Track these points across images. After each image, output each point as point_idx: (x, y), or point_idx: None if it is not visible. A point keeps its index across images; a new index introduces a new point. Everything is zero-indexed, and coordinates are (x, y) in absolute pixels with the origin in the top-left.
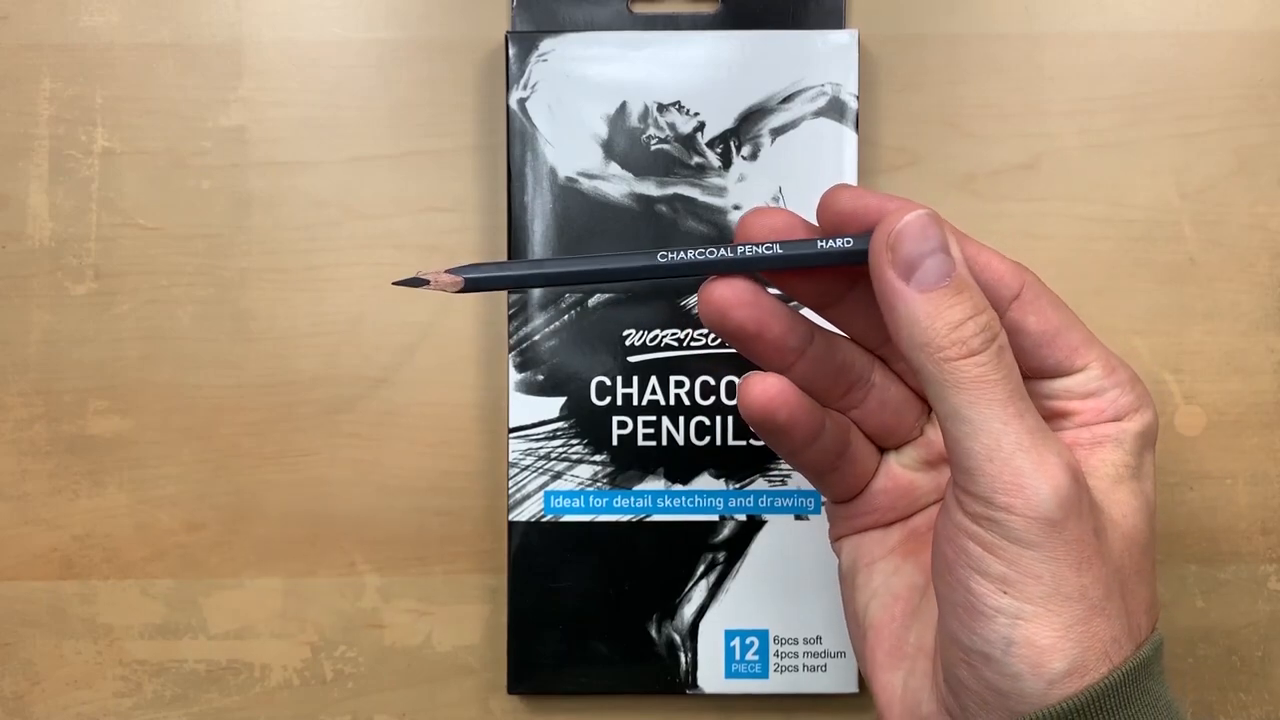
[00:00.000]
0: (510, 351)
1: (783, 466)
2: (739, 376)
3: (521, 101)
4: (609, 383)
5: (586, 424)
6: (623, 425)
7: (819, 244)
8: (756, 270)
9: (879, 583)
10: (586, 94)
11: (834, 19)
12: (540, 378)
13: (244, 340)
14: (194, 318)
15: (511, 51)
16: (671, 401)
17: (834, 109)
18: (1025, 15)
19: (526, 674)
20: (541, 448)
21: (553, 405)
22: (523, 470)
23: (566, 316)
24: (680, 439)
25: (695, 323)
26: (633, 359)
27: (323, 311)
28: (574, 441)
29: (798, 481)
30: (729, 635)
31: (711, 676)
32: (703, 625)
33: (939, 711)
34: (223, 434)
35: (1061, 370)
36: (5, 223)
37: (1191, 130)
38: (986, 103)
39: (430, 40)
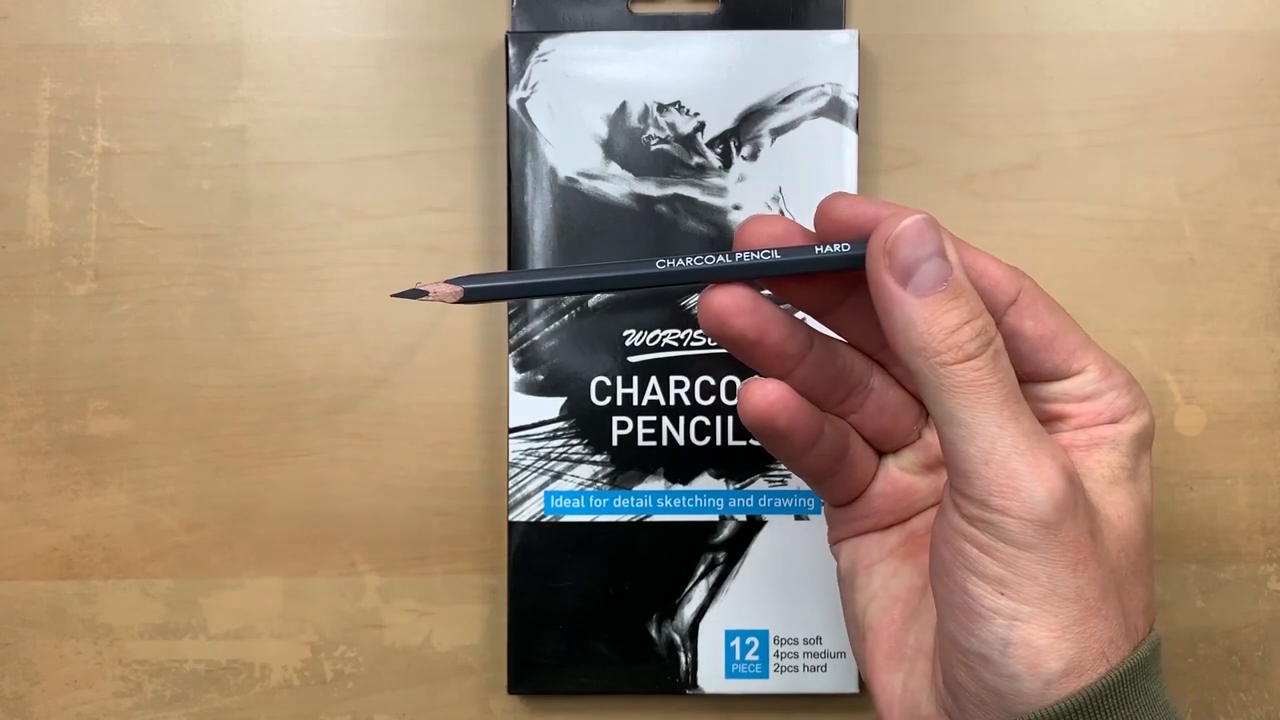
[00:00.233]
0: (510, 351)
1: (783, 467)
2: (739, 377)
3: (521, 101)
4: (609, 383)
5: (587, 424)
6: (623, 425)
7: (817, 250)
8: (755, 277)
9: (878, 585)
10: (586, 94)
11: (834, 19)
12: (540, 378)
13: (244, 340)
14: (194, 318)
15: (511, 51)
16: (671, 401)
17: (834, 109)
18: (1025, 15)
19: (526, 674)
20: (542, 448)
21: (553, 405)
22: (523, 470)
23: (566, 317)
24: (680, 439)
25: (695, 323)
26: (633, 359)
27: (323, 311)
28: (574, 441)
29: (798, 482)
30: (729, 635)
31: (711, 676)
32: (703, 625)
33: (938, 713)
34: (223, 434)
35: (1059, 374)
36: (5, 223)
37: (1191, 130)
38: (986, 103)
39: (430, 40)
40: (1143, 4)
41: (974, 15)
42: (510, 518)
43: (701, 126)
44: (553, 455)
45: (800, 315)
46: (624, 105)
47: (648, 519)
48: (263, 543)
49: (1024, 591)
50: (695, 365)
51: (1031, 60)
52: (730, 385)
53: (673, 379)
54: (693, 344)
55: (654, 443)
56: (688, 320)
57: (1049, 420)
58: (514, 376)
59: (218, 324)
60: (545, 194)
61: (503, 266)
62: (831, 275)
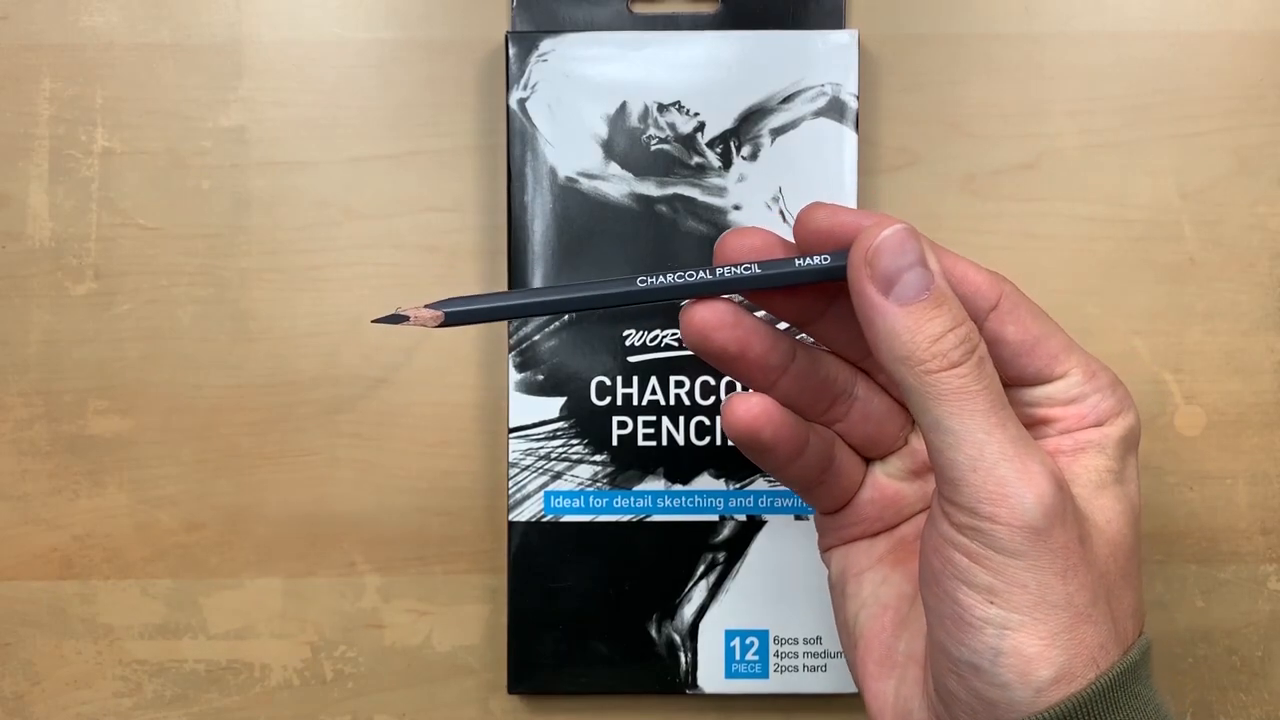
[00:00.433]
0: (510, 351)
1: None
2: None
3: (521, 101)
4: (609, 383)
5: (586, 424)
6: (623, 425)
7: (797, 263)
8: (736, 291)
9: (868, 592)
10: (586, 94)
11: (834, 19)
12: (540, 378)
13: (244, 340)
14: (194, 318)
15: (511, 51)
16: (671, 401)
17: (834, 109)
18: (1025, 15)
19: (526, 674)
20: (541, 448)
21: (553, 405)
22: (523, 470)
23: (567, 317)
24: (680, 439)
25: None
26: (633, 359)
27: (323, 311)
28: (574, 441)
29: None
30: (729, 635)
31: (711, 676)
32: (703, 625)
33: None
34: (223, 434)
35: (1042, 378)
36: (5, 223)
37: (1191, 130)
38: (986, 103)
39: (430, 40)
40: (1142, 4)
41: (974, 15)
42: (510, 518)
43: (701, 126)
44: (553, 455)
45: (783, 326)
46: (624, 105)
47: (648, 519)
48: (263, 543)
49: (1014, 600)
50: (695, 365)
51: (1031, 60)
52: (730, 385)
53: (673, 379)
54: None
55: (654, 443)
56: None
57: (1034, 425)
58: (514, 376)
59: (218, 324)
60: (545, 194)
61: (503, 266)
62: (812, 287)
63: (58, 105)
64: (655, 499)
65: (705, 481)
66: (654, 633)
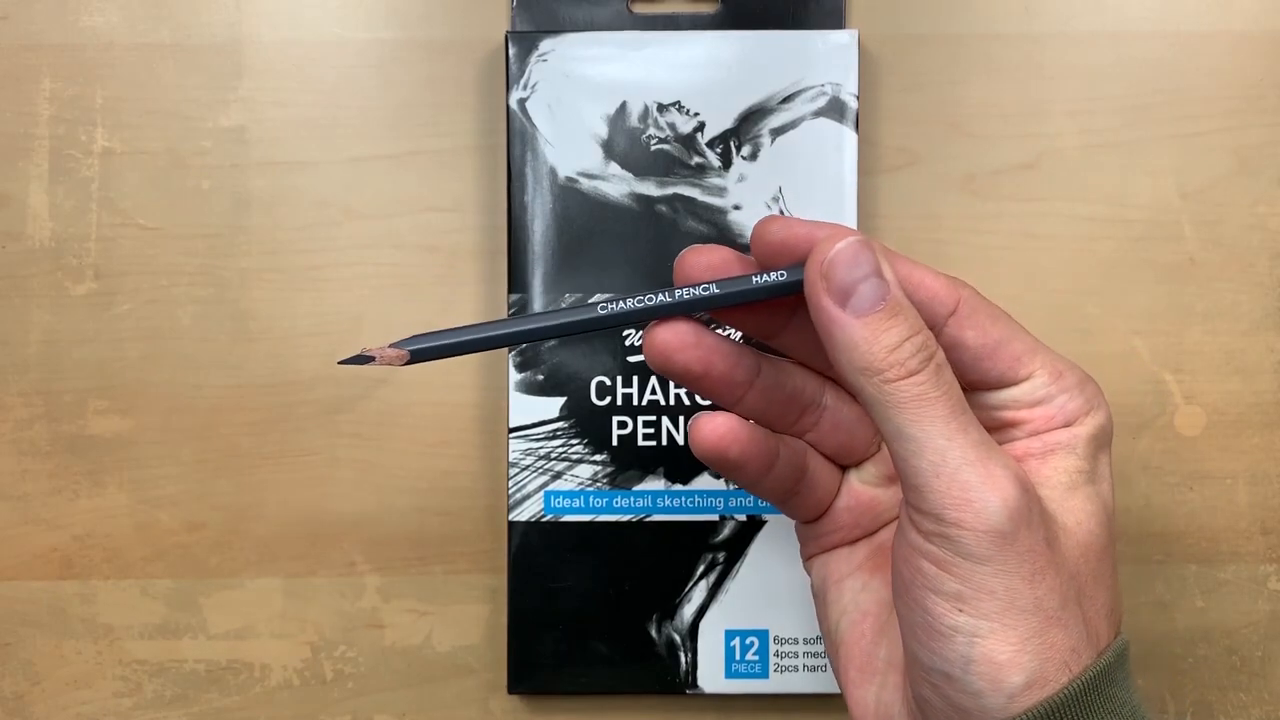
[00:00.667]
0: (510, 351)
1: None
2: None
3: (521, 101)
4: (609, 383)
5: (586, 424)
6: (623, 425)
7: (754, 280)
8: (695, 312)
9: (848, 600)
10: (586, 94)
11: (834, 19)
12: (540, 378)
13: (244, 340)
14: (194, 318)
15: (511, 51)
16: (671, 401)
17: (834, 109)
18: (1025, 15)
19: (526, 674)
20: (541, 448)
21: (553, 405)
22: (523, 470)
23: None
24: (680, 439)
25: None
26: (633, 359)
27: (323, 311)
28: (574, 441)
29: None
30: (729, 635)
31: (711, 676)
32: (703, 625)
33: None
34: (223, 434)
35: (1006, 381)
36: (5, 223)
37: (1191, 130)
38: (986, 103)
39: (430, 40)
40: (1142, 4)
41: (974, 15)
42: (510, 518)
43: (701, 126)
44: (553, 455)
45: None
46: (624, 105)
47: (648, 519)
48: (263, 543)
49: (982, 606)
50: None
51: (1031, 60)
52: None
53: None
54: None
55: (654, 442)
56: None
57: (1001, 428)
58: (514, 376)
59: (218, 324)
60: (545, 194)
61: (503, 266)
62: (773, 300)
63: (58, 105)
64: (655, 499)
65: (705, 481)
66: (654, 633)
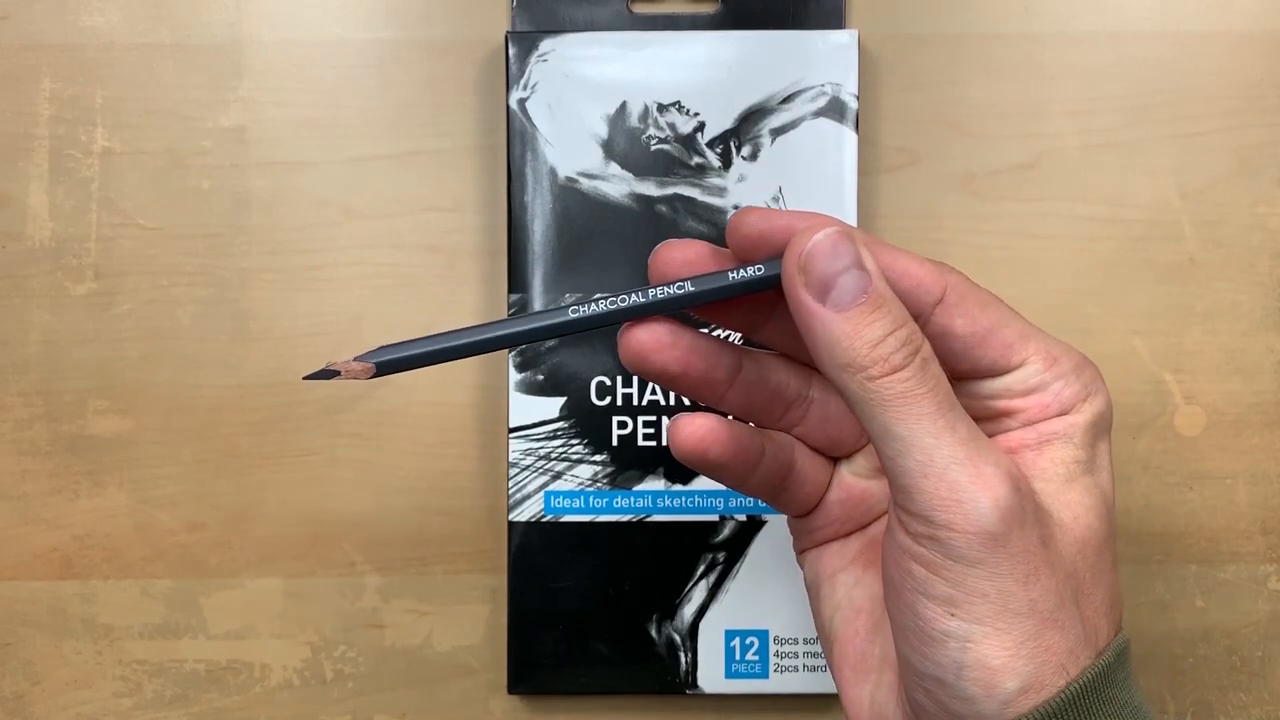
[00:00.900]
0: (510, 351)
1: None
2: None
3: (521, 101)
4: (609, 383)
5: (586, 424)
6: (623, 425)
7: (730, 275)
8: (670, 311)
9: (841, 595)
10: (586, 94)
11: (834, 19)
12: (540, 378)
13: (244, 340)
14: (194, 318)
15: (511, 51)
16: (671, 401)
17: (834, 109)
18: (1025, 15)
19: (526, 674)
20: (541, 448)
21: (553, 405)
22: (523, 470)
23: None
24: None
25: (696, 322)
26: None
27: (323, 311)
28: (574, 441)
29: None
30: (729, 635)
31: (711, 676)
32: (703, 625)
33: None
34: (223, 434)
35: (998, 369)
36: (5, 223)
37: (1191, 130)
38: (986, 103)
39: (430, 40)
40: (1142, 4)
41: (974, 15)
42: (510, 518)
43: (701, 126)
44: (553, 455)
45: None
46: (624, 105)
47: (648, 519)
48: (263, 543)
49: (974, 610)
50: None
51: (1031, 60)
52: None
53: None
54: None
55: (654, 442)
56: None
57: (995, 418)
58: (514, 376)
59: (218, 324)
60: (545, 194)
61: (503, 266)
62: (752, 295)
63: (58, 105)
64: (655, 499)
65: (705, 481)
66: (654, 633)
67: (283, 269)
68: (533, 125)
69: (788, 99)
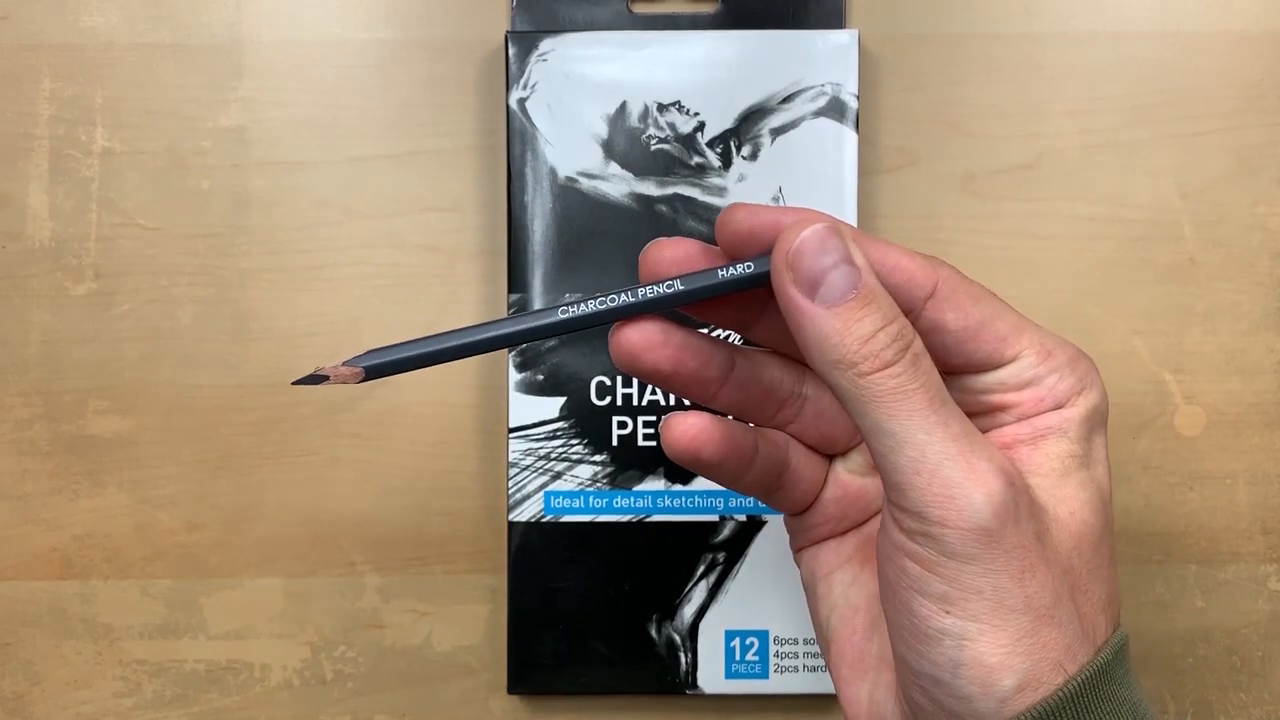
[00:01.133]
0: (510, 351)
1: None
2: None
3: (521, 101)
4: (609, 383)
5: (586, 424)
6: (623, 425)
7: (719, 273)
8: (659, 310)
9: (838, 594)
10: (586, 94)
11: (834, 19)
12: (540, 378)
13: (244, 340)
14: (194, 318)
15: (511, 51)
16: (672, 401)
17: (834, 109)
18: (1025, 15)
19: (526, 674)
20: (541, 448)
21: (553, 405)
22: (523, 470)
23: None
24: None
25: (696, 322)
26: None
27: (323, 311)
28: (574, 441)
29: None
30: (729, 635)
31: (711, 677)
32: (703, 625)
33: None
34: (223, 434)
35: (992, 363)
36: (5, 223)
37: (1191, 130)
38: (986, 103)
39: (430, 40)
40: (1142, 4)
41: (974, 15)
42: (510, 518)
43: (701, 126)
44: (553, 455)
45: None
46: (624, 105)
47: (648, 519)
48: (263, 543)
49: (970, 608)
50: None
51: (1031, 60)
52: None
53: None
54: None
55: (654, 443)
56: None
57: (990, 412)
58: (514, 376)
59: (218, 324)
60: (545, 194)
61: (503, 266)
62: (743, 293)
63: (58, 105)
64: (655, 499)
65: (705, 482)
66: (654, 633)
67: (283, 269)
68: (533, 125)
69: (788, 99)
